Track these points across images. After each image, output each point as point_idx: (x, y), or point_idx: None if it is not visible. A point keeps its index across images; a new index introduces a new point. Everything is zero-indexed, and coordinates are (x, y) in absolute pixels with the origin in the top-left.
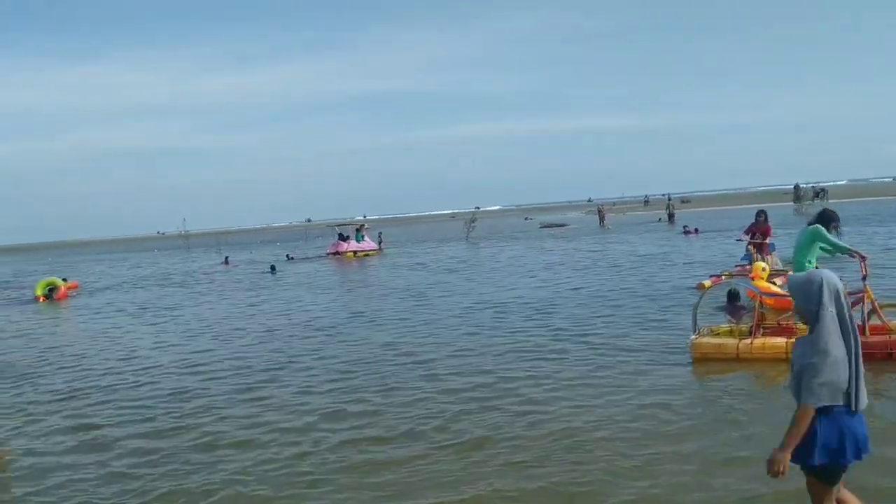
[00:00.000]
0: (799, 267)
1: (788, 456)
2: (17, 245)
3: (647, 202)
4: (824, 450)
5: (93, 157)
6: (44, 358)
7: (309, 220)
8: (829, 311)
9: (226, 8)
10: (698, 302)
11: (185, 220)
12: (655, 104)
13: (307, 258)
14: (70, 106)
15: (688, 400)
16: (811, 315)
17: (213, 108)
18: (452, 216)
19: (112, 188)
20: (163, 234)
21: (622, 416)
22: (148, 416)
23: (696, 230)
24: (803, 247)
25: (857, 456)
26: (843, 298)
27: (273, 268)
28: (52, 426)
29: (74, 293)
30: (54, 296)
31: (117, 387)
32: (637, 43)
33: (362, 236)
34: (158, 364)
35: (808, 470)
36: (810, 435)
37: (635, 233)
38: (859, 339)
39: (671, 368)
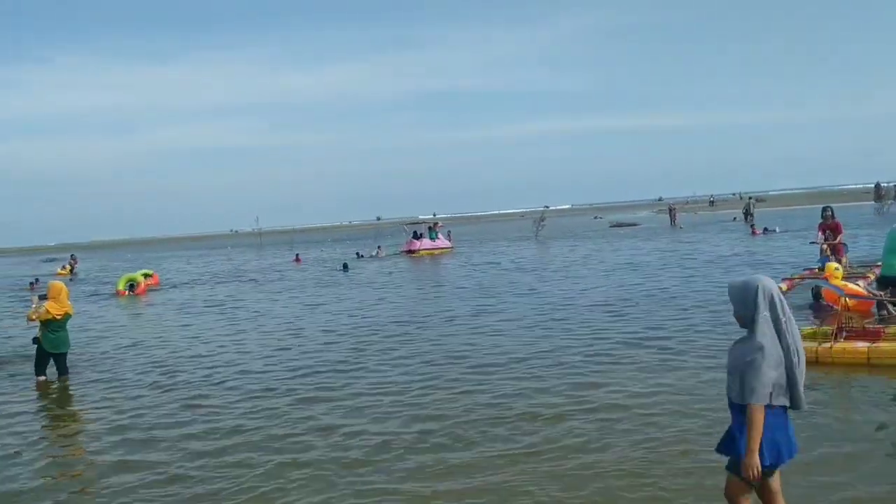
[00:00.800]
0: (889, 269)
1: (756, 458)
2: (98, 242)
3: (712, 203)
4: (771, 450)
5: (168, 155)
6: (130, 350)
7: (379, 219)
8: (764, 314)
9: (297, 9)
10: None
11: (258, 218)
12: (728, 101)
13: (376, 256)
14: (147, 106)
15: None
16: (748, 319)
17: (285, 108)
18: (521, 215)
19: (186, 186)
20: (236, 231)
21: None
22: (238, 410)
23: (765, 230)
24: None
25: (790, 456)
26: (779, 303)
27: (345, 265)
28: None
29: (155, 288)
30: (134, 291)
31: (198, 381)
32: (714, 38)
33: (436, 234)
34: (239, 358)
35: (738, 469)
36: (773, 436)
37: (710, 232)
38: (799, 341)
39: None
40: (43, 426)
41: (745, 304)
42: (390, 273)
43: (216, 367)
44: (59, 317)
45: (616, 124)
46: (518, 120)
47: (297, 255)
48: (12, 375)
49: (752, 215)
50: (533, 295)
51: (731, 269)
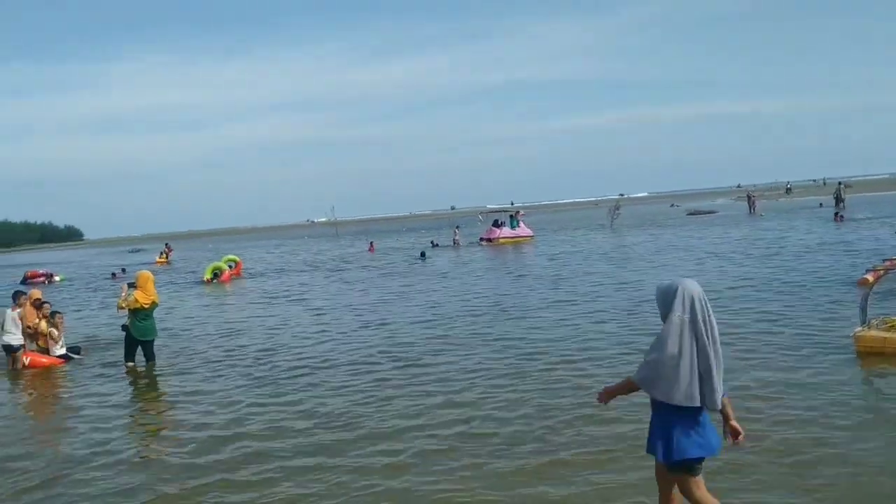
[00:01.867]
0: None
1: (607, 398)
2: (179, 233)
3: (789, 190)
4: (691, 444)
5: (244, 149)
6: (216, 337)
7: (453, 208)
8: (678, 315)
9: (362, 5)
10: (867, 293)
11: (333, 208)
12: (805, 85)
13: (454, 245)
14: (219, 101)
15: (846, 398)
16: (664, 318)
17: (356, 101)
18: (595, 203)
19: (264, 179)
20: (312, 221)
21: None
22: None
23: (842, 217)
24: None
25: (713, 451)
26: (699, 306)
27: (423, 254)
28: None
29: (238, 276)
30: (219, 279)
31: (281, 366)
32: (787, 22)
33: (517, 223)
34: (323, 345)
35: (680, 465)
36: (669, 433)
37: (792, 219)
38: (717, 346)
39: (833, 364)
40: (129, 409)
41: (664, 304)
42: (468, 261)
43: (301, 353)
44: (146, 306)
45: (693, 112)
46: (592, 109)
47: (370, 243)
48: (104, 363)
49: (842, 201)
50: (631, 286)
51: (812, 254)
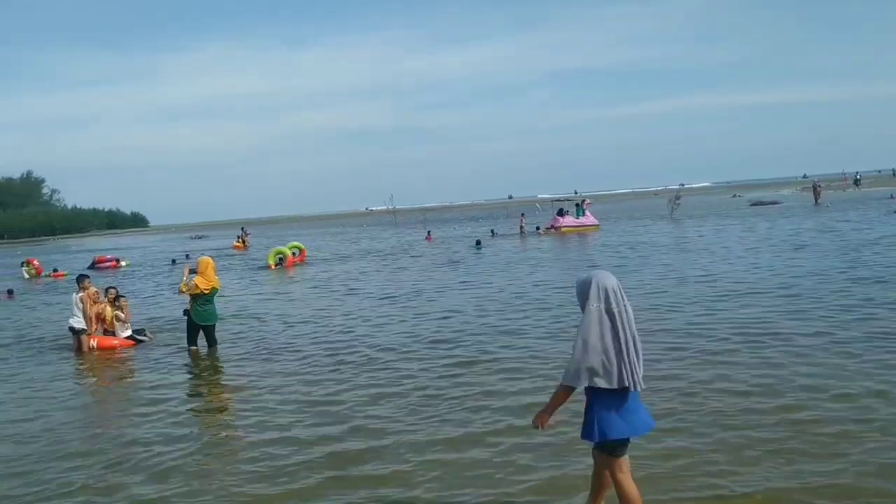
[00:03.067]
0: None
1: (547, 417)
2: (241, 220)
3: (857, 181)
4: (611, 426)
5: (305, 137)
6: (279, 322)
7: (510, 197)
8: (595, 306)
9: None
10: None
11: (391, 196)
12: (877, 71)
13: (519, 234)
14: (284, 89)
15: None
16: (583, 308)
17: (417, 89)
18: (655, 193)
19: (323, 167)
20: (371, 210)
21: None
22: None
23: None
24: None
25: (638, 432)
26: (613, 296)
27: (478, 242)
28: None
29: (301, 263)
30: (283, 264)
31: (341, 350)
32: (865, 7)
33: (583, 212)
34: (393, 332)
35: (599, 446)
36: (592, 415)
37: (860, 210)
38: (633, 330)
39: None
40: (190, 393)
41: (582, 295)
42: (526, 250)
43: (365, 339)
44: (206, 291)
45: (758, 99)
46: (652, 97)
47: (428, 232)
48: (166, 346)
49: None
50: (715, 277)
51: (886, 249)
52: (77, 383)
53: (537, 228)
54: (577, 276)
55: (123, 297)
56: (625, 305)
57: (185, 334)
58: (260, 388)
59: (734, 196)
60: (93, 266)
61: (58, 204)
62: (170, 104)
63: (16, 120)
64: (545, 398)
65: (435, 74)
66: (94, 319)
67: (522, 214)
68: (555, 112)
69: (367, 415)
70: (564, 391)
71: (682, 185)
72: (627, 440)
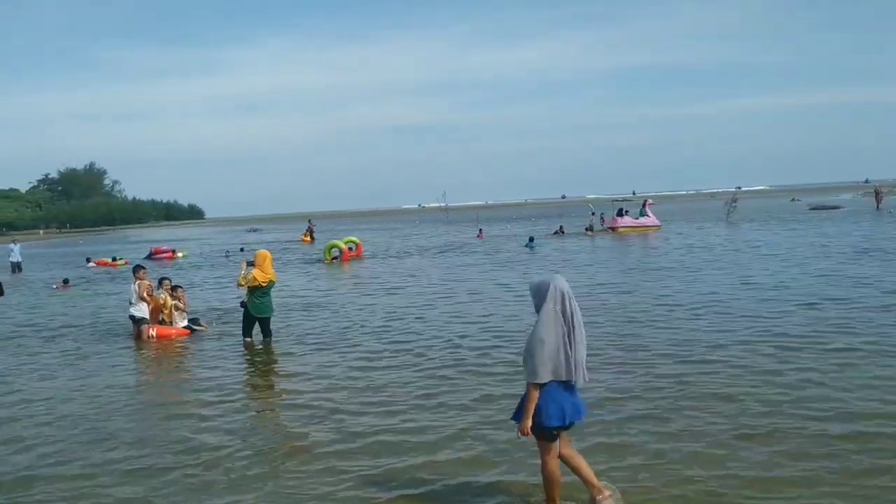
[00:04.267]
0: None
1: (529, 422)
2: (297, 214)
3: None
4: (550, 414)
5: (360, 132)
6: (333, 315)
7: (564, 197)
8: (550, 306)
9: None
10: None
11: (444, 193)
12: None
13: (585, 233)
14: (342, 84)
15: None
16: (538, 309)
17: (473, 85)
18: (711, 195)
19: (376, 162)
20: (423, 206)
21: None
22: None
23: None
24: None
25: (573, 420)
26: (566, 298)
27: (531, 240)
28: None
29: (361, 257)
30: (339, 259)
31: (397, 346)
32: None
33: (644, 212)
34: (454, 327)
35: (538, 432)
36: (542, 402)
37: None
38: (581, 330)
39: None
40: (245, 383)
41: (538, 297)
42: (587, 250)
43: (420, 333)
44: (263, 284)
45: (815, 100)
46: (708, 97)
47: (479, 230)
48: (221, 337)
49: None
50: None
51: None
52: (137, 371)
53: (586, 229)
54: (531, 280)
55: (180, 287)
56: (575, 307)
57: (238, 324)
58: (310, 380)
59: (793, 200)
60: (150, 257)
61: (118, 195)
62: (229, 98)
63: (80, 111)
64: None
65: (491, 71)
66: (162, 307)
67: (592, 213)
68: (611, 111)
69: (421, 408)
70: (534, 389)
71: (739, 187)
72: (564, 427)
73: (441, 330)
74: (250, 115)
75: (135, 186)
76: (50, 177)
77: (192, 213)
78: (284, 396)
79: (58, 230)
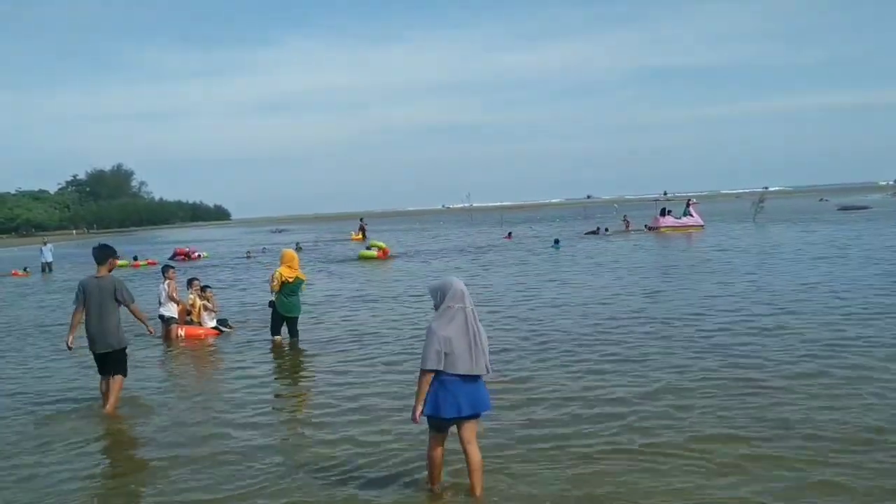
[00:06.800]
0: None
1: (419, 407)
2: (322, 215)
3: None
4: (444, 406)
5: (386, 132)
6: (361, 319)
7: (588, 197)
8: (448, 306)
9: None
10: None
11: (468, 194)
12: None
13: (625, 230)
14: (368, 84)
15: None
16: (437, 308)
17: (500, 86)
18: (736, 196)
19: (402, 162)
20: (447, 207)
21: None
22: None
23: None
24: None
25: (469, 413)
26: (465, 298)
27: (557, 241)
28: None
29: (383, 259)
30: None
31: None
32: None
33: (688, 212)
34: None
35: (430, 420)
36: (435, 394)
37: None
38: (477, 328)
39: None
40: (273, 384)
41: (439, 296)
42: (623, 250)
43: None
44: (290, 280)
45: (845, 100)
46: (737, 97)
47: (509, 232)
48: (249, 337)
49: None
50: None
51: None
52: (167, 371)
53: (606, 230)
54: (432, 281)
55: (209, 287)
56: (472, 305)
57: (265, 324)
58: (336, 382)
59: (821, 200)
60: (174, 257)
61: (145, 196)
62: (256, 99)
63: (108, 113)
64: None
65: (517, 71)
66: (181, 311)
67: (625, 215)
68: (639, 111)
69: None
70: (425, 377)
71: (766, 188)
72: (453, 420)
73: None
74: (276, 115)
75: (162, 187)
76: (78, 178)
77: (218, 214)
78: (307, 396)
79: (86, 230)
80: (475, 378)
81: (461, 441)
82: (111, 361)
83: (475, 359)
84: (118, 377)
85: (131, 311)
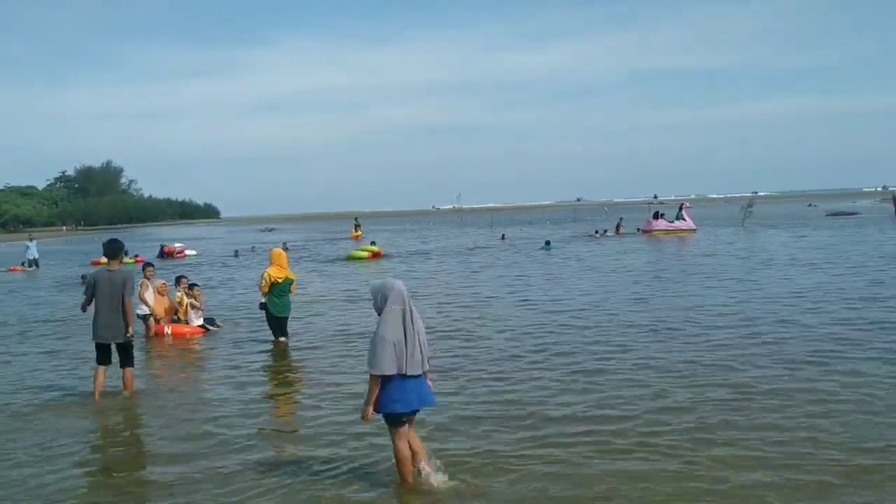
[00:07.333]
0: None
1: (370, 408)
2: (312, 214)
3: None
4: (396, 402)
5: (378, 133)
6: (347, 320)
7: (579, 199)
8: (391, 307)
9: None
10: None
11: (459, 195)
12: None
13: (616, 234)
14: (358, 85)
15: None
16: (379, 310)
17: (497, 87)
18: (725, 200)
19: (393, 163)
20: (437, 208)
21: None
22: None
23: None
24: None
25: (418, 407)
26: (407, 300)
27: (548, 243)
28: None
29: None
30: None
31: None
32: None
33: (680, 215)
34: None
35: (386, 418)
36: (384, 392)
37: None
38: (418, 327)
39: None
40: (261, 378)
41: (381, 298)
42: (610, 253)
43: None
44: (280, 279)
45: (832, 106)
46: (727, 101)
47: (502, 234)
48: (237, 336)
49: None
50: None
51: None
52: (153, 369)
53: (595, 232)
54: (374, 281)
55: (197, 285)
56: (413, 307)
57: (254, 323)
58: (328, 382)
59: (809, 205)
60: (161, 255)
61: (135, 193)
62: (250, 98)
63: (98, 111)
64: None
65: (514, 72)
66: (163, 311)
67: (621, 218)
68: (630, 115)
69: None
70: (375, 381)
71: (756, 192)
72: (409, 413)
73: (460, 330)
74: (269, 115)
75: (152, 185)
76: (67, 174)
77: (208, 212)
78: (298, 399)
79: (74, 227)
80: (420, 375)
81: (396, 432)
82: (121, 352)
83: (418, 358)
84: (128, 369)
85: (124, 303)
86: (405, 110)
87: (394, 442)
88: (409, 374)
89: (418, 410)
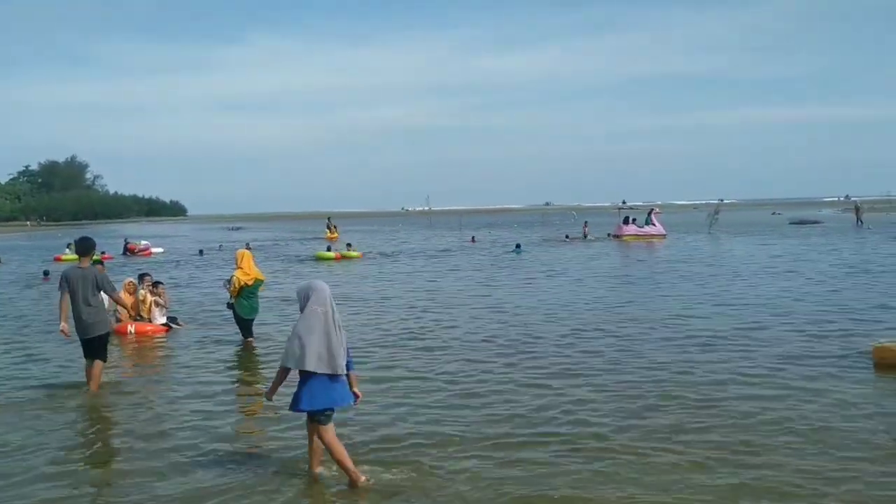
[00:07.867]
0: None
1: (271, 395)
2: (280, 214)
3: None
4: (316, 399)
5: (353, 133)
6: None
7: (547, 204)
8: (312, 308)
9: None
10: None
11: (428, 197)
12: None
13: (583, 238)
14: (330, 86)
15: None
16: (302, 309)
17: (475, 90)
18: (694, 207)
19: (365, 164)
20: (407, 210)
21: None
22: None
23: None
24: None
25: (338, 404)
26: (329, 301)
27: (518, 246)
28: None
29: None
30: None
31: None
32: None
33: (650, 220)
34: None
35: (311, 415)
36: (302, 392)
37: None
38: (340, 329)
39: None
40: (224, 377)
41: (304, 298)
42: (574, 258)
43: (422, 339)
44: (249, 283)
45: (796, 116)
46: (694, 108)
47: (472, 237)
48: (199, 335)
49: None
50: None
51: None
52: (121, 367)
53: (566, 237)
54: (298, 284)
55: (161, 283)
56: (335, 308)
57: (217, 321)
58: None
59: (773, 213)
60: (125, 252)
61: (100, 189)
62: (222, 96)
63: (64, 105)
64: None
65: (489, 76)
66: (129, 307)
67: (586, 222)
68: (600, 121)
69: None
70: (283, 372)
71: (722, 200)
72: (331, 410)
73: (433, 334)
74: (238, 114)
75: (118, 182)
76: (30, 168)
77: (175, 210)
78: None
79: (38, 222)
80: (337, 376)
81: (316, 430)
82: (95, 346)
83: (335, 359)
84: (98, 362)
85: (114, 299)
86: (377, 112)
87: (324, 438)
88: (333, 373)
89: (334, 410)
